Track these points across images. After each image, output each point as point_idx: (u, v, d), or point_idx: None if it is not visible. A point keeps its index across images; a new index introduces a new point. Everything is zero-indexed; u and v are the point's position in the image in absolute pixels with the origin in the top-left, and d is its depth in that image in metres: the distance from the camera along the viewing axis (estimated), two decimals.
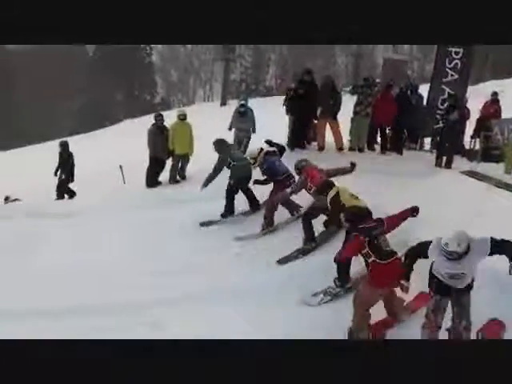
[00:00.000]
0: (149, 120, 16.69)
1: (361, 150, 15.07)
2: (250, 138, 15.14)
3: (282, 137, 14.86)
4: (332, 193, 9.17)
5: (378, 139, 15.47)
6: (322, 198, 9.57)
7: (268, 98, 45.10)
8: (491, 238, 6.54)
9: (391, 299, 7.75)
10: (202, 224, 12.14)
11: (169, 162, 15.44)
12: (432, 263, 6.92)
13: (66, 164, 16.16)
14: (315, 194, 10.27)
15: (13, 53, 59.51)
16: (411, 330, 7.33)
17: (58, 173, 16.23)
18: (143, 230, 11.95)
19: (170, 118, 16.08)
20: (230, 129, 15.64)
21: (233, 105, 17.13)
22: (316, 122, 15.01)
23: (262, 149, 12.01)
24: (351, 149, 15.11)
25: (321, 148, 14.86)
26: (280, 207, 11.52)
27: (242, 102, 15.67)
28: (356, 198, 8.93)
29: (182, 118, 15.38)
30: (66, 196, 16.17)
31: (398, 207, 9.43)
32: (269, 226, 11.51)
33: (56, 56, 58.36)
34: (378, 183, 11.72)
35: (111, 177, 17.69)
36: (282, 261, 10.22)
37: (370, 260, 7.46)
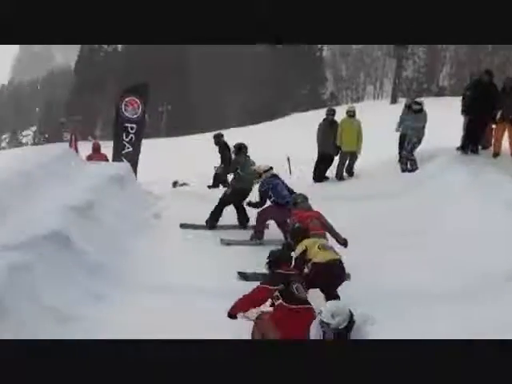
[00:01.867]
0: (317, 114, 16.60)
1: None
2: (420, 139, 14.61)
3: (455, 140, 14.33)
4: (298, 250, 8.37)
5: None
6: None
7: (440, 97, 43.95)
8: None
9: None
10: (183, 226, 11.71)
11: (337, 158, 15.28)
12: None
13: (223, 155, 16.28)
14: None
15: (191, 51, 62.02)
16: None
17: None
18: None
19: (338, 113, 15.86)
20: (397, 129, 15.26)
21: (403, 103, 16.62)
22: (494, 125, 14.22)
23: (271, 167, 11.47)
24: None
25: (496, 154, 14.02)
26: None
27: (418, 100, 15.17)
28: (325, 249, 8.24)
29: (351, 114, 15.22)
30: (220, 185, 16.20)
31: None
32: (258, 238, 11.04)
33: (232, 54, 60.14)
34: None
35: (278, 168, 17.79)
36: (242, 275, 9.63)
37: (277, 303, 6.98)
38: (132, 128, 14.40)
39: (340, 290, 8.05)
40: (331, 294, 7.85)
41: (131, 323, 7.03)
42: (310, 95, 63.61)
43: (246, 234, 11.28)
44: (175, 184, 18.30)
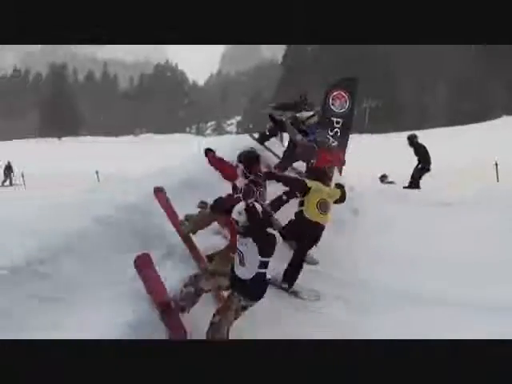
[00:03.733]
0: None
1: None
2: None
3: None
4: (309, 184, 8.40)
5: None
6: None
7: None
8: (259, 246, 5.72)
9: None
10: None
11: None
12: None
13: (418, 155, 15.92)
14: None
15: (398, 49, 61.70)
16: None
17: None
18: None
19: None
20: None
21: None
22: None
23: (314, 114, 11.79)
24: None
25: None
26: None
27: None
28: (320, 209, 8.24)
29: None
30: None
31: None
32: None
33: (439, 53, 59.25)
34: None
35: (482, 172, 17.23)
36: None
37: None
38: (338, 122, 14.41)
39: None
40: (302, 248, 8.27)
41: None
42: None
43: None
44: (383, 178, 18.26)
